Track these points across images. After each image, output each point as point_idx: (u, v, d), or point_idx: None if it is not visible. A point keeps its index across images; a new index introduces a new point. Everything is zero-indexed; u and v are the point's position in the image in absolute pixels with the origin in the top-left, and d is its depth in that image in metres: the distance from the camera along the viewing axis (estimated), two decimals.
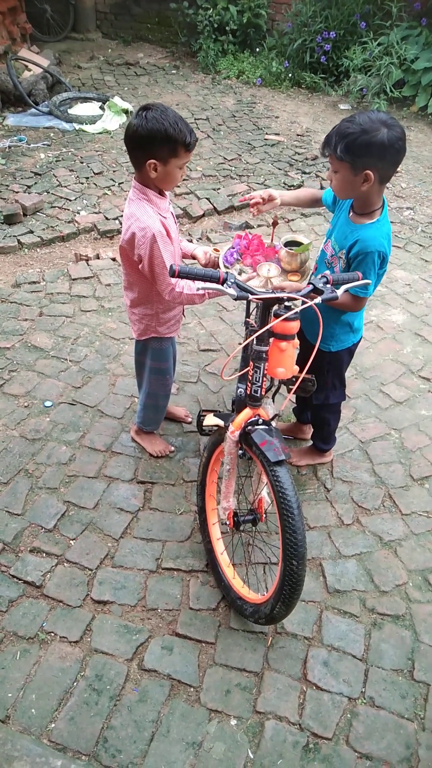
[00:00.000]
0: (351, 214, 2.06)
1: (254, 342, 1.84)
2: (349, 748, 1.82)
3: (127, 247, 2.08)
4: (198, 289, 1.81)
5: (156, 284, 2.12)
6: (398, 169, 5.27)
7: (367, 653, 2.04)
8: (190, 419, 2.85)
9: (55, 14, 7.96)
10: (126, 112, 6.10)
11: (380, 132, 1.79)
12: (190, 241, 4.23)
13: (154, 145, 1.90)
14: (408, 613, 2.16)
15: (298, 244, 2.15)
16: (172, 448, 2.70)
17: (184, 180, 4.99)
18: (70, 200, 4.65)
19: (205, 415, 2.13)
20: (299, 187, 4.95)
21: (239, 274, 2.17)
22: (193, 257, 2.30)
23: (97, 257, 4.04)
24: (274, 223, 2.28)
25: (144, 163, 1.95)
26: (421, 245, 4.37)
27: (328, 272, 1.86)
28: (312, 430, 2.69)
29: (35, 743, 1.76)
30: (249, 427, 1.88)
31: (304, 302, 1.73)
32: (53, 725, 1.82)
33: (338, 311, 2.16)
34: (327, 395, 2.42)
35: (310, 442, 2.74)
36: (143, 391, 2.56)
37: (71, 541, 2.32)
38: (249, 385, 1.91)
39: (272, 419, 1.95)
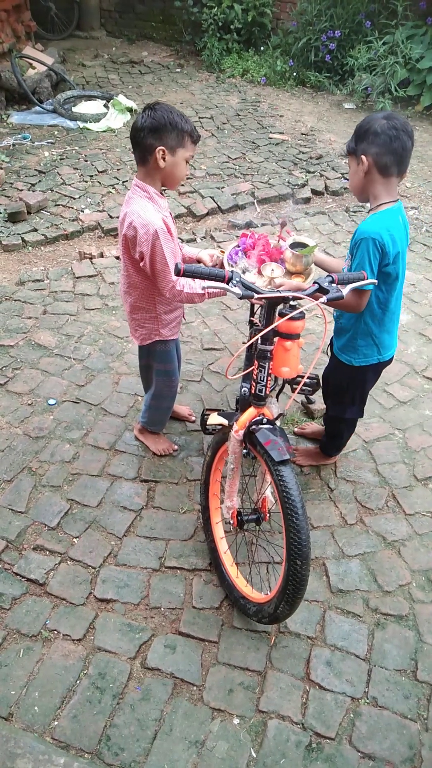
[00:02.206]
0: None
1: (259, 341, 1.83)
2: (352, 748, 1.81)
3: (129, 243, 2.09)
4: (203, 288, 1.80)
5: (156, 282, 2.12)
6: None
7: (371, 653, 2.04)
8: (193, 418, 2.85)
9: (59, 12, 7.95)
10: (130, 110, 6.10)
11: (378, 121, 1.92)
12: (194, 241, 4.23)
13: (164, 133, 1.97)
14: (411, 614, 2.15)
15: (304, 245, 2.14)
16: (176, 447, 2.70)
17: (188, 179, 4.98)
18: (74, 198, 4.65)
19: (209, 414, 2.13)
20: (303, 186, 4.95)
21: (243, 273, 2.16)
22: (199, 261, 2.30)
23: (101, 255, 4.04)
24: (282, 224, 2.28)
25: (153, 152, 1.99)
26: (425, 245, 4.36)
27: (334, 273, 1.86)
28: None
29: (38, 741, 1.76)
30: (253, 427, 1.88)
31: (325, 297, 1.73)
32: (56, 723, 1.82)
33: (360, 321, 2.15)
34: (344, 409, 2.41)
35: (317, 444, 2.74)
36: (149, 393, 2.56)
37: (74, 539, 2.33)
38: (253, 384, 1.91)
39: (277, 418, 1.95)
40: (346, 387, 2.34)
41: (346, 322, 2.21)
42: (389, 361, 2.30)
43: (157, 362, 2.43)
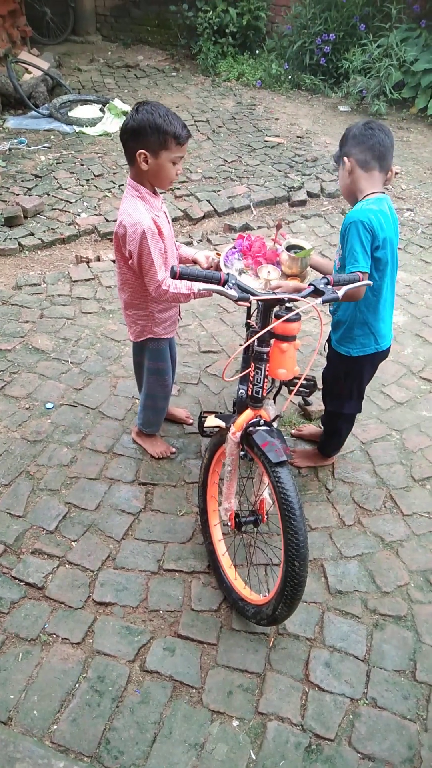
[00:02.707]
0: None
1: (255, 343, 1.84)
2: (351, 749, 1.81)
3: (120, 242, 2.11)
4: (200, 289, 1.81)
5: (144, 280, 2.14)
6: (398, 171, 5.29)
7: (369, 654, 2.04)
8: (191, 421, 2.85)
9: (54, 17, 7.98)
10: (126, 114, 6.10)
11: (355, 127, 2.08)
12: (190, 244, 4.24)
13: (144, 136, 1.94)
14: (410, 614, 2.15)
15: (300, 248, 2.15)
16: (173, 450, 2.71)
17: (183, 182, 4.99)
18: (71, 202, 4.66)
19: (206, 417, 2.13)
20: (299, 188, 4.97)
21: (239, 275, 2.17)
22: (195, 262, 2.31)
23: (98, 259, 4.05)
24: (278, 226, 2.28)
25: (135, 154, 1.98)
26: (421, 246, 4.38)
27: (329, 275, 1.88)
28: None
29: (37, 745, 1.76)
30: (250, 428, 1.88)
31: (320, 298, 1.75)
32: (55, 727, 1.82)
33: (356, 311, 2.18)
34: (342, 404, 2.41)
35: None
36: (143, 393, 2.57)
37: (73, 543, 2.33)
38: (250, 386, 1.91)
39: (273, 420, 1.95)
40: (344, 380, 2.35)
41: (342, 314, 2.24)
42: (386, 353, 2.32)
43: (149, 360, 2.43)
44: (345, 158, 2.08)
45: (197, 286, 1.95)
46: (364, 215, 1.99)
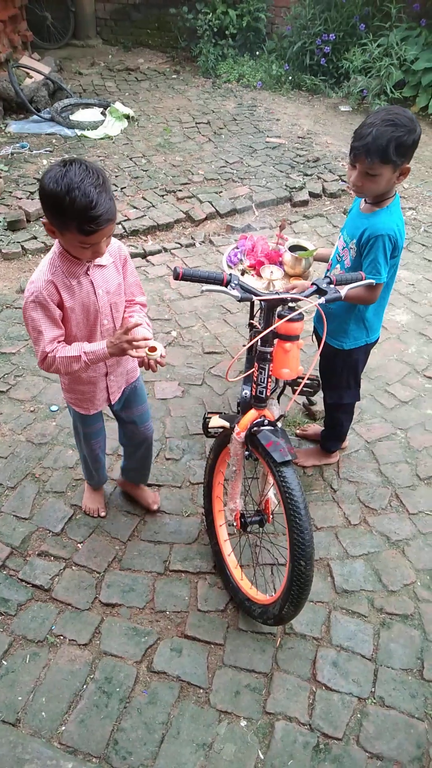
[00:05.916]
0: (363, 205, 2.09)
1: (258, 343, 1.84)
2: (359, 749, 1.81)
3: None
4: (83, 351, 1.68)
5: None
6: None
7: (377, 653, 2.04)
8: (155, 507, 2.44)
9: (55, 21, 8.00)
10: (127, 117, 6.13)
11: (417, 129, 1.88)
12: (192, 245, 4.25)
13: (45, 209, 1.61)
14: (417, 613, 2.15)
15: (303, 248, 2.15)
16: (104, 514, 2.42)
17: (185, 184, 4.99)
18: None
19: (210, 417, 2.13)
20: (301, 189, 4.97)
21: (242, 275, 2.17)
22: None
23: None
24: (281, 227, 2.29)
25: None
26: (424, 245, 4.37)
27: (332, 273, 1.88)
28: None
29: (46, 746, 1.77)
30: (255, 428, 1.89)
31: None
32: (63, 728, 1.83)
33: (354, 308, 2.18)
34: (341, 394, 2.43)
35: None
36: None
37: (79, 545, 2.33)
38: (254, 386, 1.92)
39: (278, 420, 1.95)
40: (340, 372, 2.37)
41: (336, 307, 2.22)
42: (375, 342, 2.35)
43: (72, 417, 2.22)
44: (408, 166, 1.92)
45: (81, 348, 1.78)
46: (390, 228, 1.99)
